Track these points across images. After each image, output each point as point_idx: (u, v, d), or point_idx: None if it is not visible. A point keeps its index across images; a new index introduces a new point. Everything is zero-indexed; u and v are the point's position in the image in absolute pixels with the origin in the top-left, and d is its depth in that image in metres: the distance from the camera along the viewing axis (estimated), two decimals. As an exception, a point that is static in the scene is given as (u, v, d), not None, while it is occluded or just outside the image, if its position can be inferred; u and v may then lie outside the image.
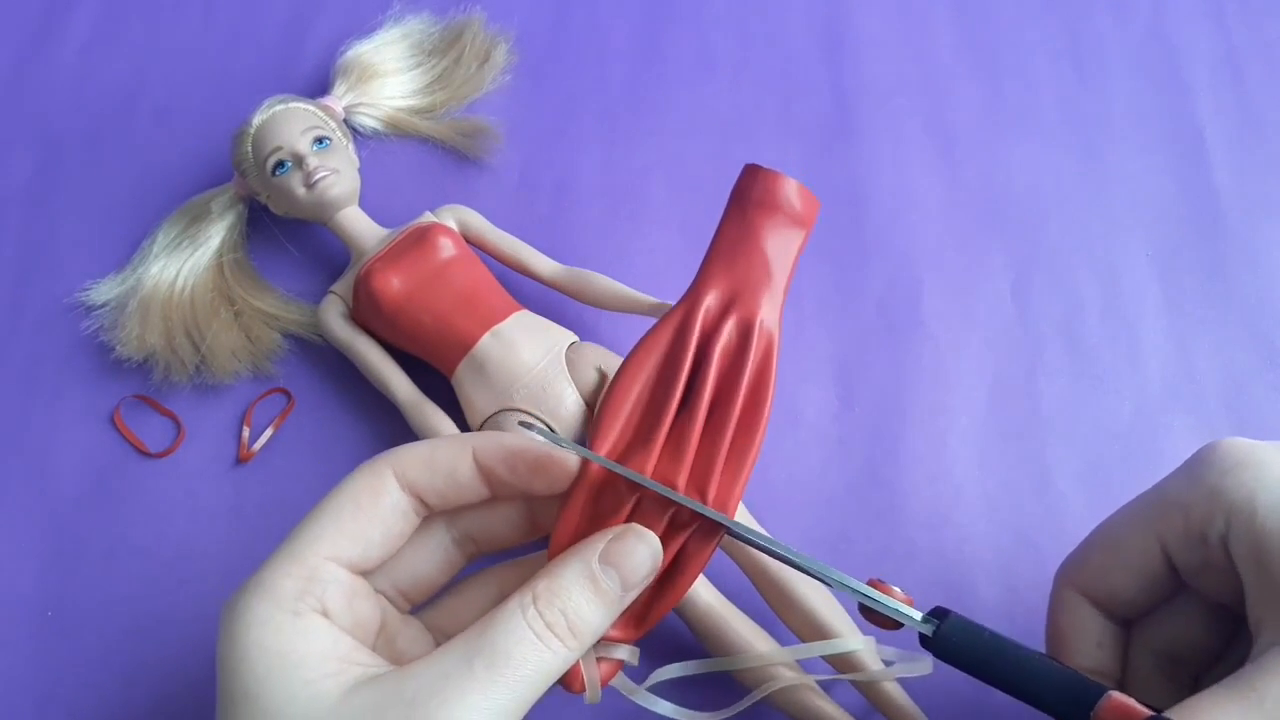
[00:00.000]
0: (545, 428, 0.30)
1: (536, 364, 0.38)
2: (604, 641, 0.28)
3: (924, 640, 0.29)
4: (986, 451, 0.41)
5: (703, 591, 0.36)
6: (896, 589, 0.29)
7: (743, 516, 0.37)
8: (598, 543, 0.27)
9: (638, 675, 0.32)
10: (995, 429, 0.41)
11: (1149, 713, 0.25)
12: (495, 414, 0.38)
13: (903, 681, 0.35)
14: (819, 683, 0.35)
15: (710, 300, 0.30)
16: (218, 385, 0.42)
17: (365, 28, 0.49)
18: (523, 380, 0.38)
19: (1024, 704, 0.28)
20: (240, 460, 0.41)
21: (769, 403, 0.29)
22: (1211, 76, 0.49)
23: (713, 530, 0.28)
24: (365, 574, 0.28)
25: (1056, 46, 0.50)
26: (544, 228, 0.45)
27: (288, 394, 0.42)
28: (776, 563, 0.36)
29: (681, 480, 0.29)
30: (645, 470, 0.28)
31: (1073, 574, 0.31)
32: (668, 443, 0.29)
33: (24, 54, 0.51)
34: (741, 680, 0.35)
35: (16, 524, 0.40)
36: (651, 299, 0.40)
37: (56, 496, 0.41)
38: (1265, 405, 0.42)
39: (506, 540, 0.30)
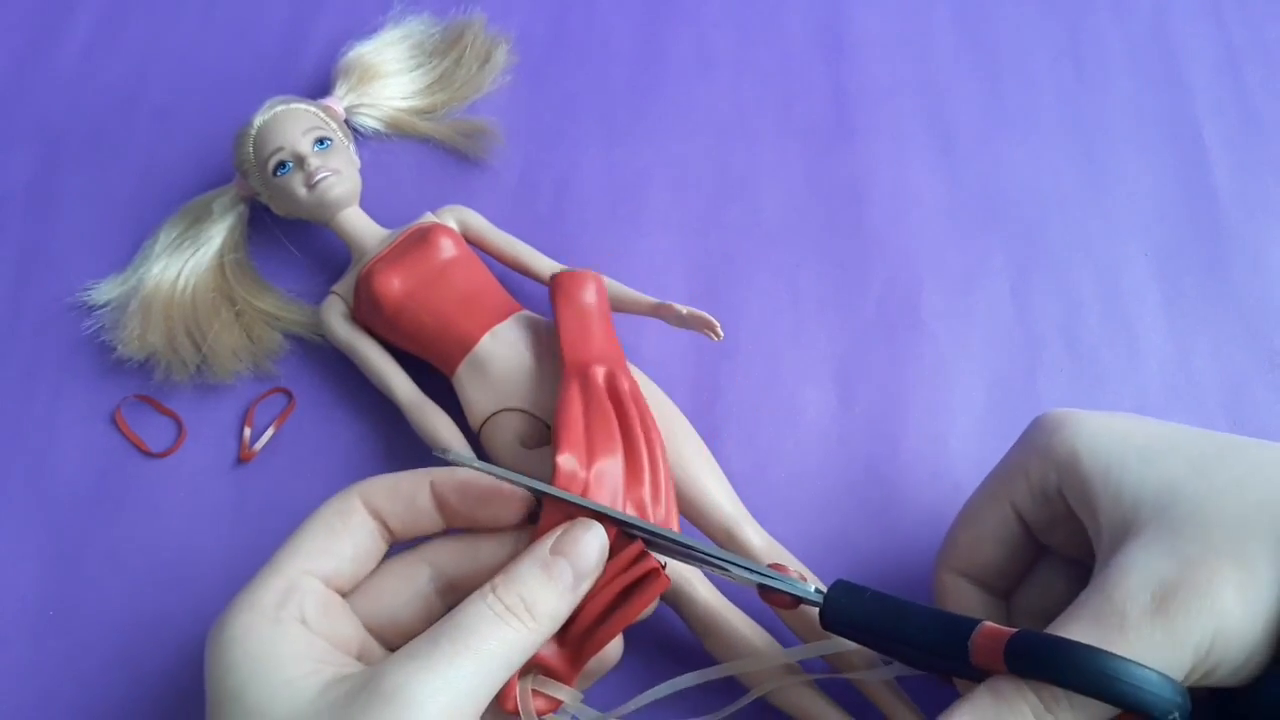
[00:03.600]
0: (485, 466, 0.32)
1: (537, 364, 0.38)
2: (543, 677, 0.30)
3: (821, 616, 0.31)
4: (986, 451, 0.41)
5: (701, 589, 0.36)
6: (792, 569, 0.32)
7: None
8: (549, 537, 0.29)
9: (625, 695, 0.33)
10: (995, 429, 0.41)
11: (1013, 630, 0.27)
12: (495, 414, 0.38)
13: (902, 681, 0.35)
14: (818, 681, 0.35)
15: (599, 371, 0.36)
16: (219, 385, 0.42)
17: (366, 28, 0.49)
18: (523, 380, 0.38)
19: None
20: (241, 460, 0.41)
21: (658, 429, 0.36)
22: (1211, 76, 0.49)
23: (657, 578, 0.31)
24: (342, 593, 0.30)
25: (1056, 46, 0.50)
26: (544, 228, 0.45)
27: (289, 394, 0.42)
28: (775, 561, 0.36)
29: (646, 493, 0.34)
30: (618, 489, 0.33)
31: (946, 556, 0.34)
32: (626, 462, 0.34)
33: (25, 54, 0.51)
34: (743, 680, 0.35)
35: (16, 524, 0.40)
36: (651, 299, 0.40)
37: (57, 496, 0.41)
38: (1265, 405, 0.42)
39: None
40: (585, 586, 0.29)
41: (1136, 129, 0.48)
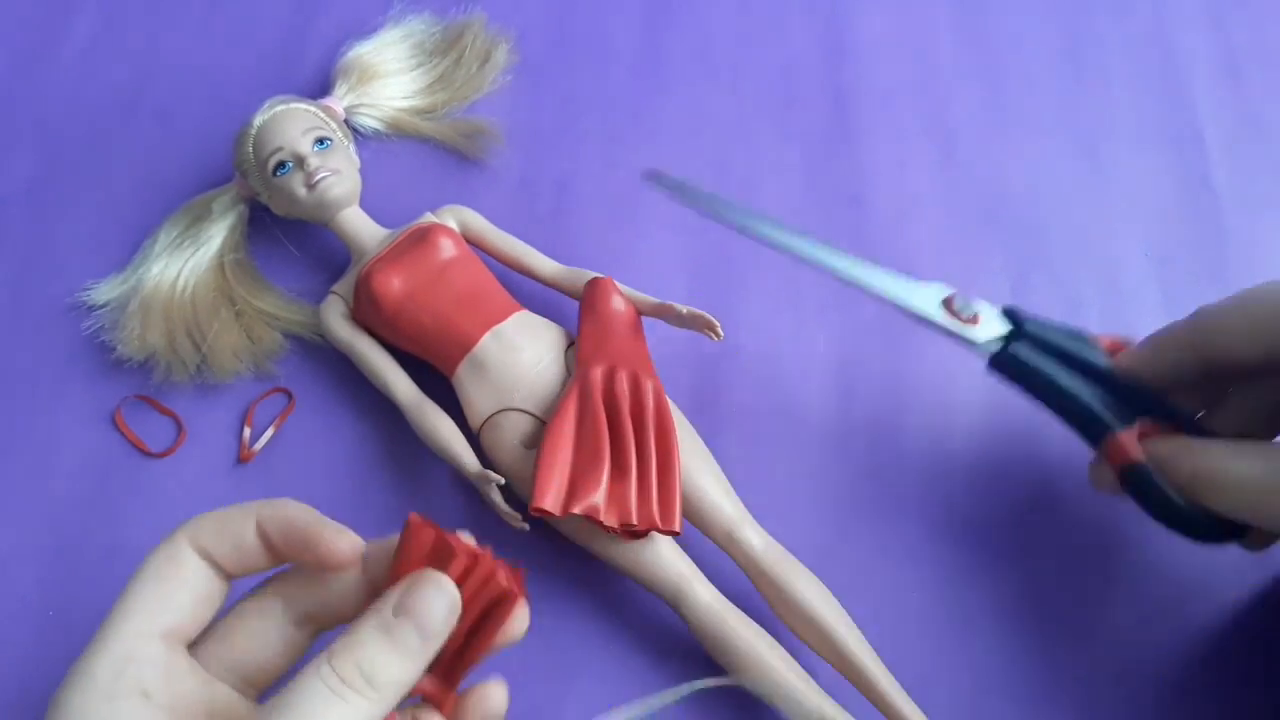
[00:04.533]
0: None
1: (537, 364, 0.38)
2: (422, 701, 0.28)
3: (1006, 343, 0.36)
4: (987, 452, 0.41)
5: (701, 590, 0.36)
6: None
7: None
8: (393, 595, 0.26)
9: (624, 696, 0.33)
10: (995, 429, 0.41)
11: (1135, 461, 0.33)
12: (495, 414, 0.38)
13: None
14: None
15: (597, 372, 0.37)
16: (219, 385, 0.42)
17: (366, 28, 0.49)
18: (523, 380, 0.38)
19: None
20: (241, 460, 0.41)
21: (674, 429, 0.36)
22: (1211, 77, 0.49)
23: (510, 602, 0.28)
24: (188, 643, 0.28)
25: (1056, 46, 0.50)
26: (544, 228, 0.45)
27: (288, 394, 0.42)
28: (777, 563, 0.36)
29: (631, 492, 0.35)
30: (599, 485, 0.35)
31: (1199, 319, 0.34)
32: (612, 465, 0.35)
33: (25, 55, 0.51)
34: (740, 678, 0.35)
35: (16, 524, 0.40)
36: (652, 299, 0.40)
37: (57, 496, 0.41)
38: (1265, 405, 0.42)
39: (346, 615, 0.29)
40: (433, 648, 0.26)
41: (1136, 129, 0.48)
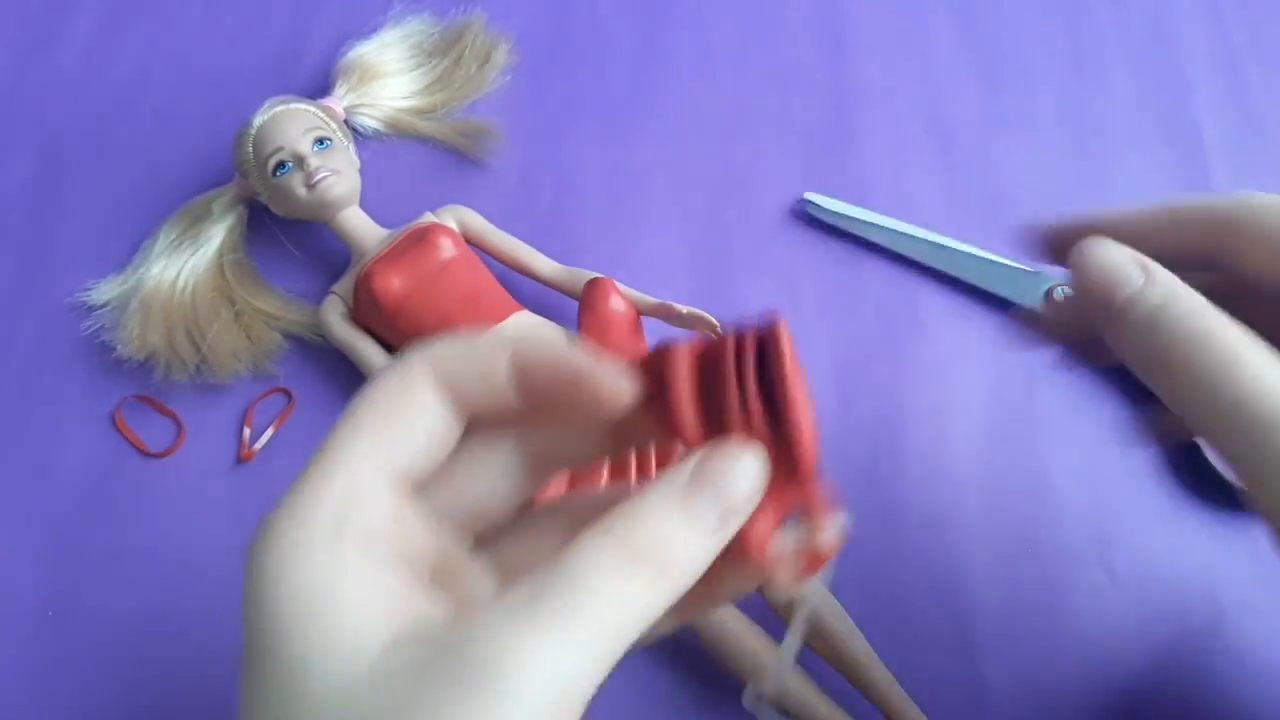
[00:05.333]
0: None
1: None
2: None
3: None
4: (986, 452, 0.41)
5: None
6: None
7: None
8: (686, 463, 0.22)
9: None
10: (995, 430, 0.41)
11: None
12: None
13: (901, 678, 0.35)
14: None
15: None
16: (218, 385, 0.42)
17: (366, 28, 0.49)
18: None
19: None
20: (241, 460, 0.41)
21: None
22: (1211, 76, 0.49)
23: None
24: (413, 487, 0.23)
25: (1056, 46, 0.50)
26: (544, 228, 0.45)
27: (288, 394, 0.42)
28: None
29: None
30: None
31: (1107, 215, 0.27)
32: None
33: (25, 54, 0.51)
34: (740, 678, 0.35)
35: (16, 524, 0.40)
36: (652, 299, 0.40)
37: (56, 496, 0.41)
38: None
39: (586, 457, 0.25)
40: (733, 527, 0.22)
41: (1136, 129, 0.48)
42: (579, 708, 0.19)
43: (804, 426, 0.23)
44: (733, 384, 0.22)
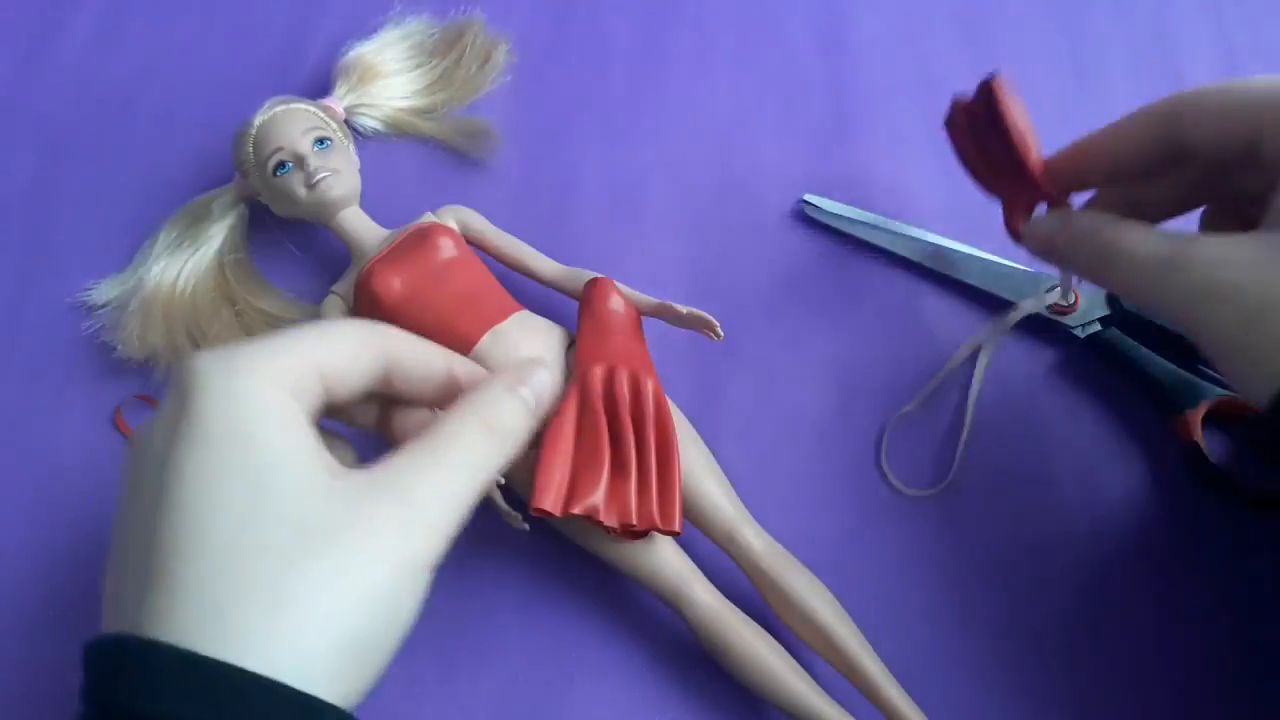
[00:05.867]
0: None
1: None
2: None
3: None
4: (986, 452, 0.41)
5: (701, 591, 0.36)
6: None
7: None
8: (510, 370, 0.31)
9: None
10: (994, 428, 0.41)
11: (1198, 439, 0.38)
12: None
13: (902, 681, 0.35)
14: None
15: (596, 372, 0.36)
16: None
17: (366, 29, 0.49)
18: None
19: None
20: (241, 460, 0.41)
21: (673, 429, 0.36)
22: (1211, 77, 0.49)
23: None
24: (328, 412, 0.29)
25: (1056, 46, 0.50)
26: (544, 228, 0.45)
27: (288, 394, 0.42)
28: (777, 563, 0.36)
29: (631, 493, 0.35)
30: (599, 485, 0.34)
31: (1179, 98, 0.32)
32: (612, 466, 0.35)
33: (26, 54, 0.51)
34: (740, 678, 0.35)
35: (16, 524, 0.40)
36: (652, 299, 0.40)
37: (57, 496, 0.41)
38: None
39: (424, 398, 0.31)
40: (539, 417, 0.31)
41: (1136, 129, 0.48)
42: (460, 516, 0.27)
43: (1030, 149, 0.34)
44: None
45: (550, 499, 0.34)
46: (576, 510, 0.34)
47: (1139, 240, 0.31)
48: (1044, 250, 0.35)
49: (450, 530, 0.27)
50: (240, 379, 0.25)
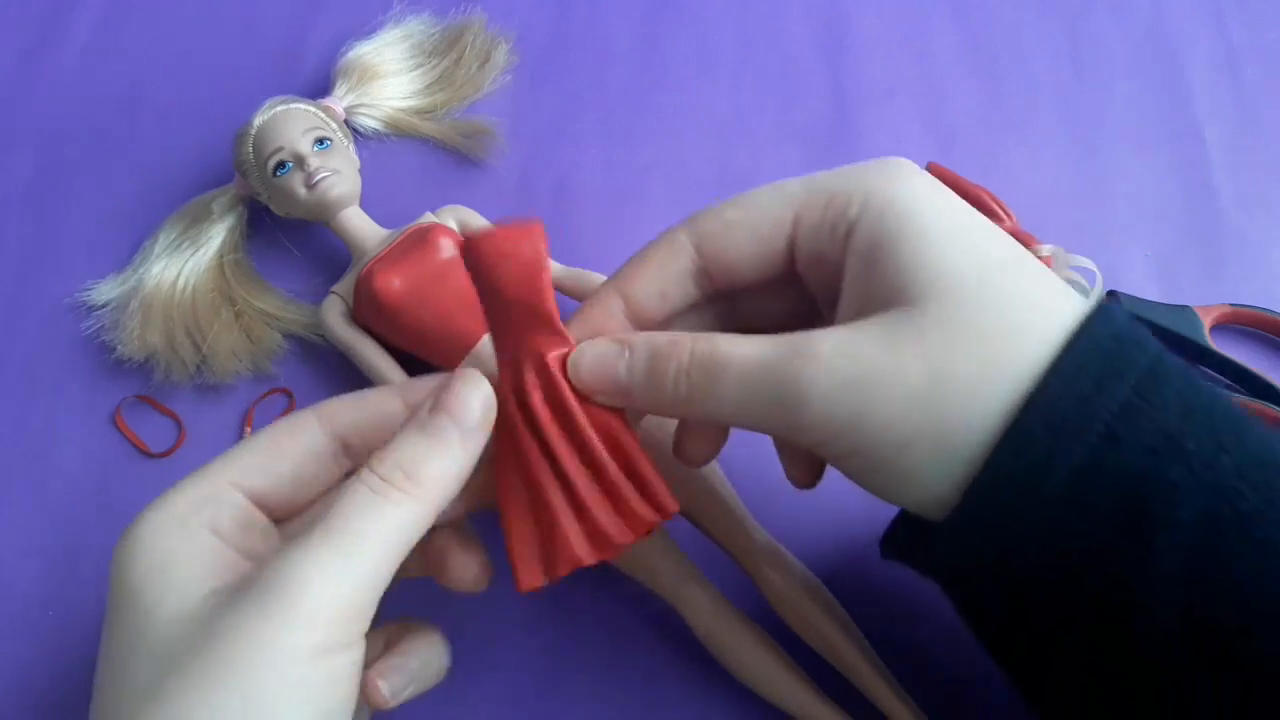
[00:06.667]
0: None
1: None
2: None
3: None
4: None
5: (701, 590, 0.35)
6: None
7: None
8: (429, 398, 0.27)
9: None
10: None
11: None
12: (496, 414, 0.38)
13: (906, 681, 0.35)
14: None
15: (505, 391, 0.29)
16: (219, 386, 0.42)
17: (366, 29, 0.49)
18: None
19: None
20: (241, 460, 0.41)
21: (604, 403, 0.29)
22: (1211, 76, 0.49)
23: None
24: (273, 514, 0.28)
25: (1056, 46, 0.50)
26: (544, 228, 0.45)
27: (289, 394, 0.42)
28: (777, 562, 0.36)
29: (602, 513, 0.29)
30: (569, 529, 0.28)
31: (699, 219, 0.29)
32: (566, 498, 0.29)
33: (25, 54, 0.51)
34: (747, 680, 0.35)
35: (16, 524, 0.40)
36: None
37: (56, 496, 0.41)
38: (1265, 405, 0.42)
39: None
40: (474, 442, 0.26)
41: (1136, 129, 0.48)
42: (361, 618, 0.24)
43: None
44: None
45: (529, 575, 0.29)
46: (564, 573, 0.29)
47: (737, 344, 0.26)
48: (610, 390, 0.28)
49: (338, 614, 0.24)
50: (133, 539, 0.26)
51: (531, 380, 0.28)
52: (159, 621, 0.24)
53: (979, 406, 0.25)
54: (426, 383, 0.29)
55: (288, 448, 0.28)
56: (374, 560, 0.24)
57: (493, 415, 0.27)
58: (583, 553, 0.29)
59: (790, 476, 0.31)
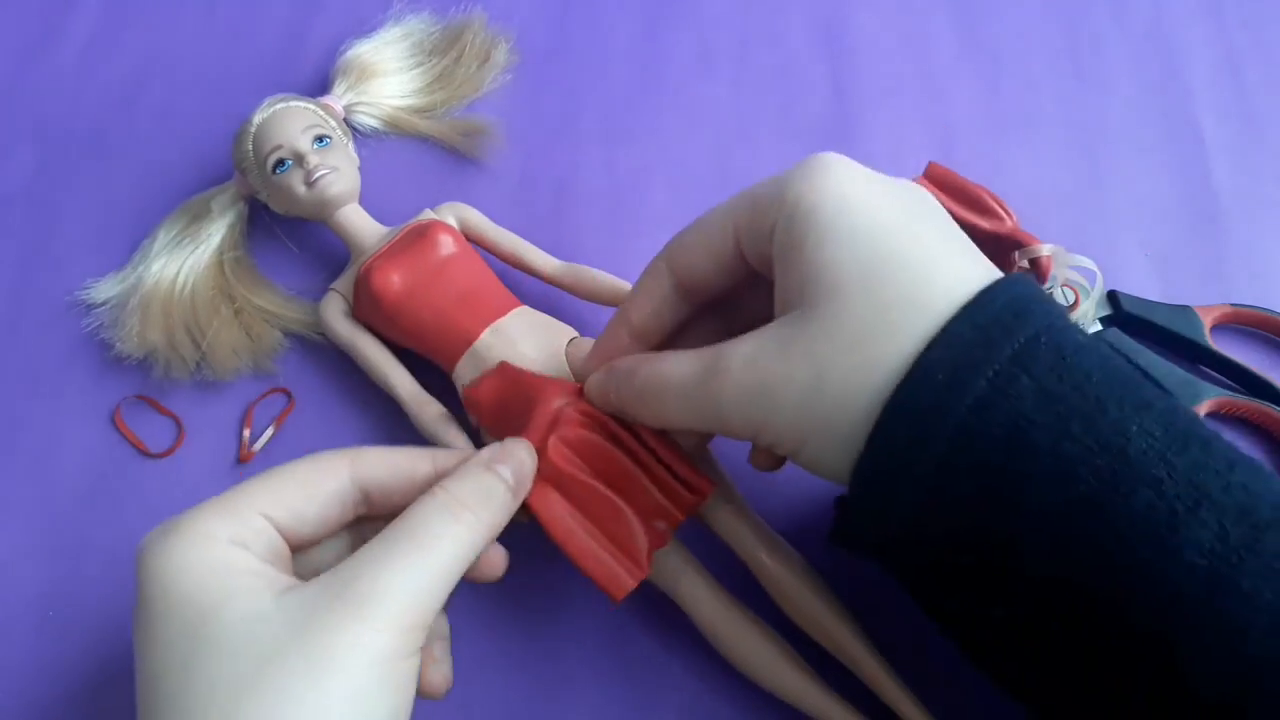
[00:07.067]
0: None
1: (536, 360, 0.38)
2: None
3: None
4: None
5: (704, 585, 0.35)
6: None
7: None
8: (487, 449, 0.31)
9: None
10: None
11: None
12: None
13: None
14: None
15: (536, 434, 0.33)
16: (218, 385, 0.42)
17: (366, 27, 0.49)
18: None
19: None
20: (241, 460, 0.41)
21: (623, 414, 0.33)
22: (1211, 77, 0.49)
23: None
24: (289, 546, 0.29)
25: (1056, 46, 0.50)
26: (544, 228, 0.45)
27: (288, 394, 0.42)
28: (780, 559, 0.36)
29: (657, 495, 0.33)
30: (637, 526, 0.33)
31: (669, 245, 0.33)
32: (627, 500, 0.33)
33: (25, 54, 0.51)
34: (751, 676, 0.35)
35: (16, 524, 0.40)
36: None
37: (56, 496, 0.41)
38: (1265, 404, 0.42)
39: (399, 505, 0.30)
40: (521, 493, 0.31)
41: (1136, 129, 0.48)
42: (430, 616, 0.27)
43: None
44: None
45: (621, 581, 0.32)
46: (649, 565, 0.33)
47: (674, 365, 0.30)
48: (608, 409, 0.33)
49: (416, 620, 0.26)
50: (171, 549, 0.26)
51: (562, 429, 0.33)
52: (230, 621, 0.25)
53: (858, 403, 0.27)
54: (459, 453, 0.31)
55: (319, 489, 0.29)
56: (446, 573, 0.27)
57: (531, 477, 0.31)
58: (663, 534, 0.33)
59: (751, 462, 0.33)
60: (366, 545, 0.27)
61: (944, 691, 0.35)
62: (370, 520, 0.31)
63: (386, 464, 0.30)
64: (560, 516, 0.33)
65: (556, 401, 0.33)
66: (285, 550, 0.29)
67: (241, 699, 0.24)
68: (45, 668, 0.38)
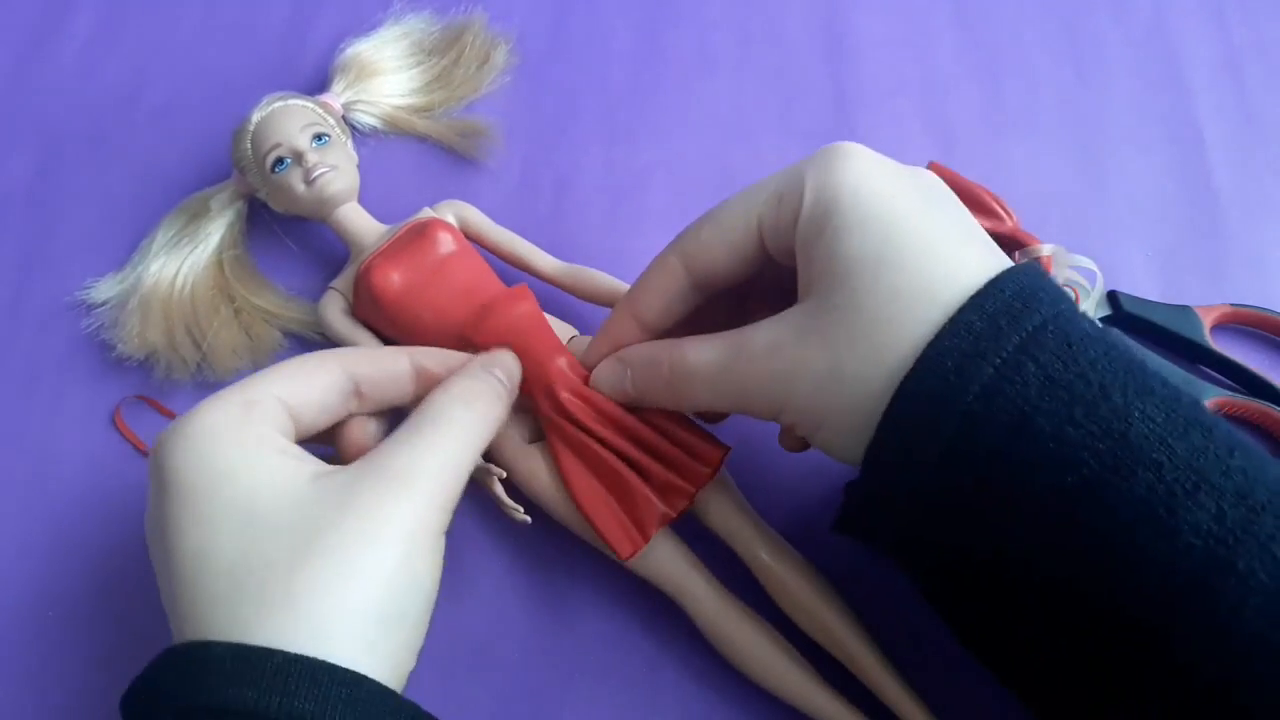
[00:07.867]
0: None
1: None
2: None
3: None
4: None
5: (705, 584, 0.35)
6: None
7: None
8: (480, 355, 0.34)
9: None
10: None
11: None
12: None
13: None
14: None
15: (544, 400, 0.36)
16: (218, 384, 0.42)
17: (365, 26, 0.49)
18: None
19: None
20: (240, 459, 0.41)
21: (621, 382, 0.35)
22: (1211, 76, 0.49)
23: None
24: (297, 433, 0.31)
25: (1056, 46, 0.50)
26: (544, 227, 0.45)
27: (288, 393, 0.42)
28: (780, 558, 0.36)
29: (669, 471, 0.35)
30: (647, 495, 0.35)
31: (681, 240, 0.34)
32: (632, 467, 0.35)
33: (24, 53, 0.51)
34: (752, 675, 0.35)
35: (16, 524, 0.40)
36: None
37: (56, 496, 0.41)
38: (1265, 405, 0.42)
39: (391, 398, 0.33)
40: (512, 394, 0.34)
41: (1136, 129, 0.48)
42: (455, 495, 0.29)
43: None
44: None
45: (626, 545, 0.34)
46: (654, 531, 0.34)
47: (698, 353, 0.32)
48: (624, 399, 0.35)
49: (446, 497, 0.29)
50: (201, 431, 0.28)
51: (567, 397, 0.35)
52: (273, 496, 0.27)
53: (870, 390, 0.28)
54: (433, 351, 0.34)
55: (318, 377, 0.31)
56: (465, 452, 0.30)
57: (518, 383, 0.34)
58: (664, 507, 0.34)
59: (781, 443, 0.34)
60: (392, 435, 0.30)
61: (944, 691, 0.35)
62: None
63: (369, 358, 0.33)
64: (579, 476, 0.35)
65: (558, 360, 0.36)
66: (294, 432, 0.31)
67: (300, 567, 0.26)
68: (45, 667, 0.38)
